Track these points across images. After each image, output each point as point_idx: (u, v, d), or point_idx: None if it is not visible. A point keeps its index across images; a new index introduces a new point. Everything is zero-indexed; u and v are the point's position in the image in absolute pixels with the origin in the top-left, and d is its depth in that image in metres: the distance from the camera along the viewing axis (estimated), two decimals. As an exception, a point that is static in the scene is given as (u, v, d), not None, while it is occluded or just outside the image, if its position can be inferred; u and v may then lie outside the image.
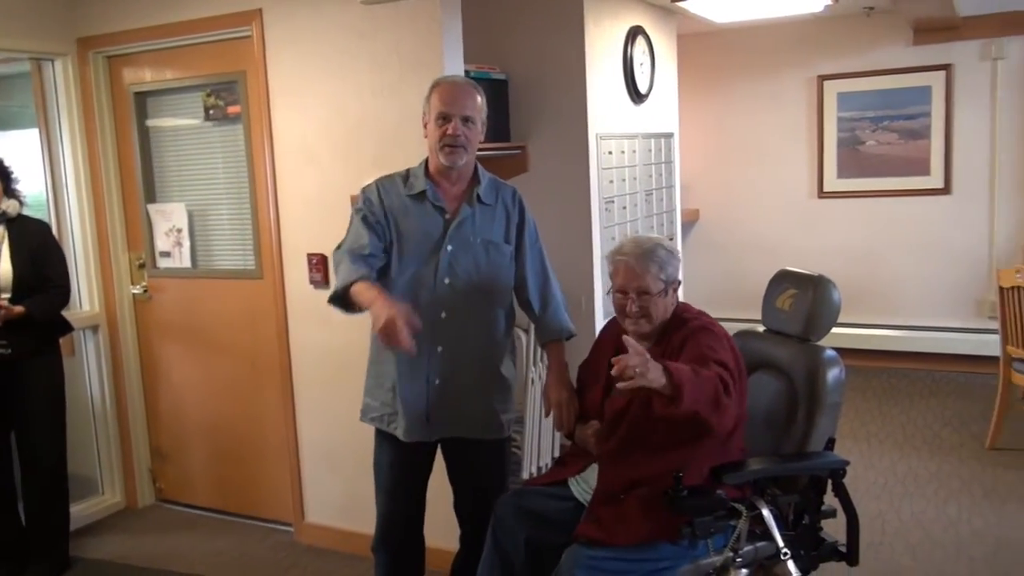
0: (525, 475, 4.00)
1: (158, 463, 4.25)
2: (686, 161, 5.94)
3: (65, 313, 3.53)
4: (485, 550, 2.47)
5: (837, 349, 2.51)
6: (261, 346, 3.79)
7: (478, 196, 2.57)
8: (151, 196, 4.02)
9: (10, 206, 3.34)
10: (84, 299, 4.07)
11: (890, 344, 5.93)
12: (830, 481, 2.38)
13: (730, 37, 6.25)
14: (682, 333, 2.32)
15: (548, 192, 4.12)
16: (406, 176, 2.62)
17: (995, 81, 5.57)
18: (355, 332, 3.35)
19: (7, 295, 3.26)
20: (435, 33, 3.14)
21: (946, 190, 5.81)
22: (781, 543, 2.25)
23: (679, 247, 5.40)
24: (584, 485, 2.42)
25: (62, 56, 3.92)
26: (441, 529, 2.97)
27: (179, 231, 3.96)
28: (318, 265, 3.50)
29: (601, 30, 4.29)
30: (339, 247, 2.56)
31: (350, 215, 2.63)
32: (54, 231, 3.80)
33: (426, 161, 2.61)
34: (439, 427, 2.63)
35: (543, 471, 4.15)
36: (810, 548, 2.38)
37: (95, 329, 4.10)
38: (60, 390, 3.48)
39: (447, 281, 2.54)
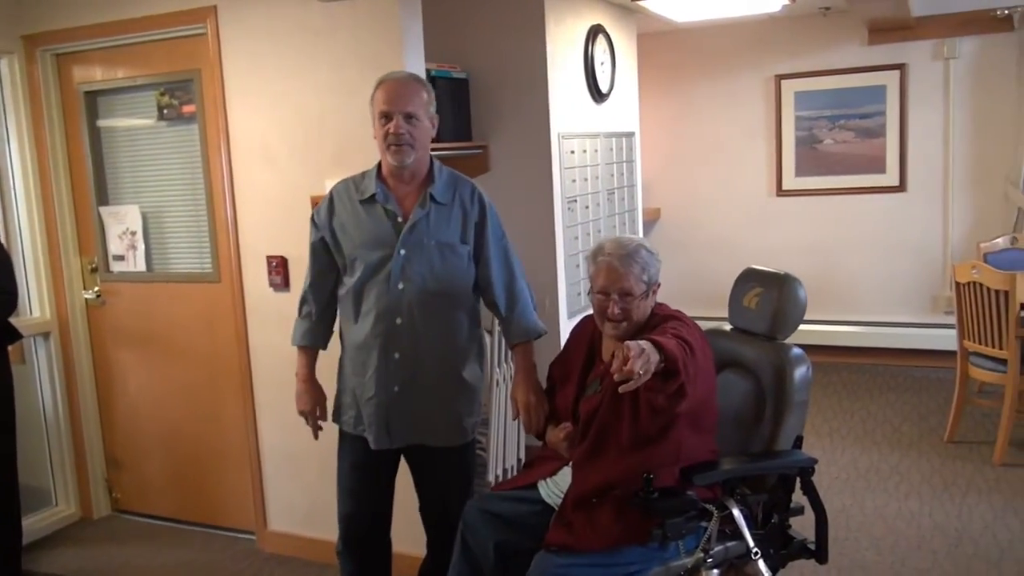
0: (491, 477, 3.98)
1: (114, 472, 4.14)
2: (646, 160, 5.95)
3: (13, 320, 3.41)
4: (454, 556, 2.44)
5: (796, 346, 2.51)
6: (219, 350, 3.71)
7: (431, 196, 2.51)
8: (103, 198, 3.91)
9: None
10: (34, 305, 3.95)
11: (848, 340, 6.01)
12: (799, 479, 2.38)
13: (689, 37, 6.28)
14: (652, 325, 2.30)
15: (510, 192, 4.09)
16: (361, 179, 2.58)
17: (947, 80, 5.67)
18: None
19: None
20: (395, 31, 3.10)
21: (901, 188, 5.89)
22: (751, 543, 2.24)
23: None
24: (555, 488, 2.39)
25: (8, 54, 3.80)
26: (408, 534, 2.93)
27: (133, 234, 3.86)
28: (278, 268, 3.43)
29: (562, 29, 4.28)
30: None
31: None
32: (1, 235, 3.67)
33: (379, 163, 2.56)
34: (400, 435, 2.58)
35: (509, 473, 4.13)
36: (779, 547, 2.38)
37: (46, 336, 3.98)
38: (9, 399, 3.36)
39: (401, 286, 2.49)
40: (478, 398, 2.70)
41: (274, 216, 3.43)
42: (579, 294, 4.42)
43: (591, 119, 4.65)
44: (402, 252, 2.48)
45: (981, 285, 4.14)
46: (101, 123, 3.89)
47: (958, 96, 5.67)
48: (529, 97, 4.15)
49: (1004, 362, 4.12)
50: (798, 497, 2.42)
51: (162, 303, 3.85)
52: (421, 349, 2.53)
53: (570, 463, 2.37)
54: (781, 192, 6.24)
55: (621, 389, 1.90)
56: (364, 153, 3.03)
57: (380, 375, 2.54)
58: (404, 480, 2.75)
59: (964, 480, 4.00)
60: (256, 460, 3.68)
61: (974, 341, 4.28)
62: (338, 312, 2.69)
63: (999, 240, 5.02)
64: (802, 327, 2.55)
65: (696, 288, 6.14)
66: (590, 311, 2.44)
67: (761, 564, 2.26)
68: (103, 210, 3.90)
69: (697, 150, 6.47)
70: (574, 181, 4.40)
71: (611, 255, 2.32)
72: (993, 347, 4.15)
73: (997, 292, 4.05)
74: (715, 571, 2.27)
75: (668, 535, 2.14)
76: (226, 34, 3.42)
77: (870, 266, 6.03)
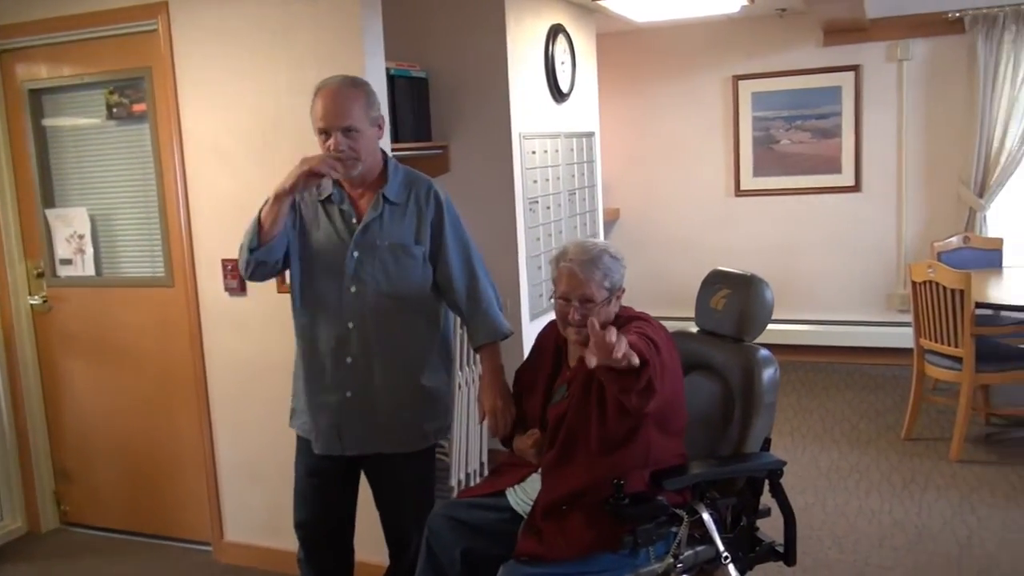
0: (453, 482, 3.92)
1: (63, 484, 4.00)
2: (606, 161, 5.95)
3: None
4: (419, 564, 2.39)
5: (763, 346, 2.51)
6: (173, 357, 3.60)
7: (384, 196, 2.45)
8: (49, 200, 3.78)
9: None
10: (-24, 311, 3.81)
11: (805, 339, 6.07)
12: (767, 481, 2.37)
13: (648, 37, 6.29)
14: (617, 327, 2.26)
15: (471, 192, 4.05)
16: (322, 176, 2.50)
17: (901, 81, 5.75)
18: (273, 339, 3.23)
19: None
20: (354, 30, 3.03)
21: (856, 188, 5.96)
22: (721, 547, 2.23)
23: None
24: (523, 495, 2.35)
25: (-53, 50, 3.66)
26: (372, 542, 2.87)
27: (81, 237, 3.73)
28: (233, 271, 3.34)
29: (522, 28, 4.24)
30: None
31: None
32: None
33: None
34: (353, 442, 2.52)
35: (471, 478, 4.08)
36: (748, 550, 2.37)
37: (-10, 343, 3.84)
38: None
39: (353, 289, 2.44)
40: (442, 404, 2.64)
41: (230, 219, 3.33)
42: (541, 296, 4.39)
43: (552, 119, 4.63)
44: (355, 254, 2.43)
45: (937, 284, 4.20)
46: (47, 122, 3.75)
47: (911, 97, 5.75)
48: (490, 97, 4.11)
49: (959, 360, 4.18)
50: (765, 499, 2.42)
51: (113, 309, 3.73)
52: (374, 354, 2.47)
53: (539, 470, 2.33)
54: (739, 192, 6.28)
55: (595, 361, 1.83)
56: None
57: (332, 380, 2.48)
58: (364, 487, 2.69)
59: (922, 477, 4.05)
60: (212, 468, 3.58)
61: (930, 339, 4.33)
62: (292, 316, 2.60)
63: (952, 239, 5.10)
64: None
65: (655, 288, 6.17)
66: (552, 313, 2.41)
67: (731, 568, 2.24)
68: (49, 213, 3.77)
69: (656, 150, 6.49)
70: (535, 182, 4.37)
71: (573, 260, 2.28)
72: (949, 345, 4.20)
73: (952, 291, 4.10)
74: (685, 576, 2.26)
75: (639, 542, 2.12)
76: (178, 31, 3.32)
77: (826, 265, 6.10)
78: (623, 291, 2.35)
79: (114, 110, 3.60)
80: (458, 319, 2.74)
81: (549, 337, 2.48)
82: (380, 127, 2.47)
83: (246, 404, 3.44)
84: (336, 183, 2.46)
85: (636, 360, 1.88)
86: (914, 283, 4.39)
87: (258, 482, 3.47)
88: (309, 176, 2.32)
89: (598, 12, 5.11)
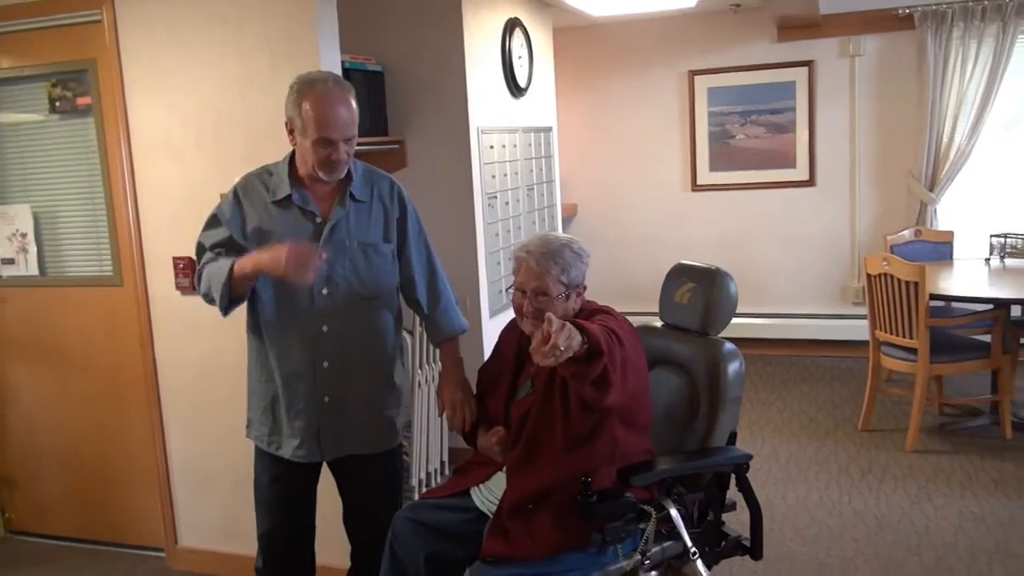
0: (414, 481, 3.87)
1: (6, 491, 3.85)
2: (563, 156, 5.93)
3: None
4: (382, 567, 2.33)
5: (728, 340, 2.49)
6: (123, 359, 3.48)
7: (351, 195, 2.39)
8: (-10, 198, 3.64)
9: None
10: (-87, 314, 3.65)
11: (761, 332, 6.11)
12: (733, 475, 2.36)
13: (604, 32, 6.28)
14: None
15: (429, 188, 3.99)
16: (269, 176, 2.40)
17: (853, 77, 5.81)
18: (226, 341, 3.14)
19: None
20: (308, 22, 2.95)
21: (811, 182, 6.02)
22: (689, 542, 2.21)
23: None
24: (488, 495, 2.30)
25: None
26: (332, 545, 2.80)
27: (24, 236, 3.59)
28: (185, 269, 3.24)
29: (479, 21, 4.19)
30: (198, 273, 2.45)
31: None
32: None
33: (291, 159, 2.39)
34: (332, 447, 2.46)
35: (432, 477, 4.03)
36: (715, 544, 2.36)
37: (-73, 347, 3.68)
38: None
39: (325, 292, 2.37)
40: (404, 396, 2.62)
41: (181, 215, 3.23)
42: (500, 292, 4.34)
43: (510, 114, 4.58)
44: (323, 256, 2.35)
45: (892, 277, 4.24)
46: (-15, 116, 3.61)
47: (863, 92, 5.82)
48: (447, 91, 4.05)
49: (914, 351, 4.23)
50: (731, 493, 2.40)
51: (58, 309, 3.60)
52: (350, 355, 2.41)
53: (504, 468, 2.29)
54: (696, 187, 6.30)
55: (542, 362, 1.81)
56: (277, 146, 2.84)
57: (309, 386, 2.41)
58: (324, 490, 2.63)
59: (880, 468, 4.09)
60: (164, 473, 3.48)
61: (885, 331, 4.38)
62: (249, 322, 2.51)
63: (905, 232, 5.17)
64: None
65: (612, 284, 6.16)
66: (511, 309, 2.37)
67: (699, 563, 2.23)
68: (-11, 210, 3.63)
69: (612, 146, 6.48)
70: (494, 177, 4.32)
71: (531, 253, 2.25)
72: (904, 337, 4.25)
73: (907, 283, 4.15)
74: (653, 573, 2.23)
75: (607, 540, 2.09)
76: (124, 21, 3.20)
77: (781, 259, 6.15)
78: (584, 288, 2.32)
79: (57, 104, 3.47)
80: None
81: (512, 335, 2.44)
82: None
83: (199, 406, 3.34)
84: (297, 183, 2.37)
85: (576, 342, 1.84)
86: (869, 276, 4.44)
87: (212, 486, 3.38)
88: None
89: (554, 6, 5.08)
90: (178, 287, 3.28)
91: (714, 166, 6.23)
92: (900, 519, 3.56)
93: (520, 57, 4.64)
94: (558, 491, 2.12)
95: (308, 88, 2.26)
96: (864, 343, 4.67)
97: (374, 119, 3.95)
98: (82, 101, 3.41)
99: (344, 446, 2.47)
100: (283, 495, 2.56)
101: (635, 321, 2.60)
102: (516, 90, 4.61)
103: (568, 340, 1.81)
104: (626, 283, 6.25)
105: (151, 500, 3.53)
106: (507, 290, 2.36)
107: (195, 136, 3.17)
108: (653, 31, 6.19)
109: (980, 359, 4.30)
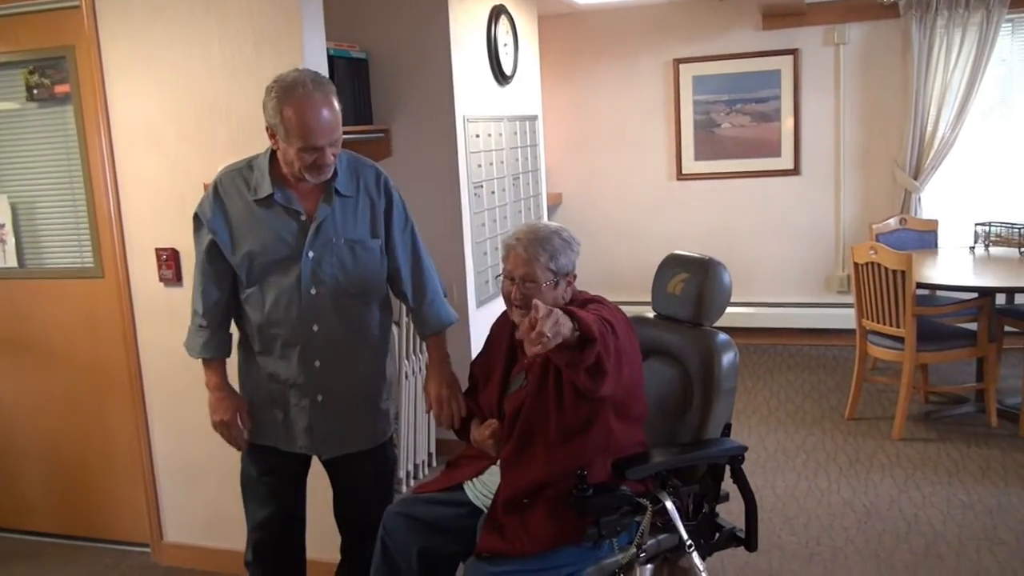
0: (401, 474, 3.85)
1: (-14, 488, 3.79)
2: (548, 145, 5.89)
3: None
4: (374, 562, 2.30)
5: (721, 330, 2.48)
6: (105, 352, 3.42)
7: (336, 190, 2.32)
8: (-35, 188, 3.55)
9: None
10: None
11: (747, 321, 6.11)
12: (728, 467, 2.34)
13: (589, 20, 6.24)
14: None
15: (415, 177, 3.95)
16: (250, 172, 2.34)
17: (838, 65, 5.81)
18: (214, 333, 3.08)
19: None
20: (293, 7, 2.89)
21: (796, 171, 6.02)
22: (685, 535, 2.19)
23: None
24: (482, 488, 2.27)
25: None
26: (322, 538, 2.77)
27: (1, 227, 3.52)
28: (168, 261, 3.18)
29: (464, 8, 4.14)
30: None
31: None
32: None
33: (271, 156, 2.32)
34: (326, 445, 2.44)
35: (419, 469, 4.00)
36: (710, 536, 2.34)
37: (-98, 341, 3.60)
38: None
39: (314, 291, 2.32)
40: (393, 388, 2.59)
41: (163, 205, 3.17)
42: (487, 282, 4.31)
43: (495, 102, 4.54)
44: (310, 255, 2.30)
45: (878, 265, 4.25)
46: (-40, 105, 3.53)
47: (848, 81, 5.82)
48: (432, 79, 4.00)
49: (901, 340, 4.24)
50: (724, 484, 2.39)
51: (37, 302, 3.52)
52: (342, 353, 2.38)
53: (498, 462, 2.26)
54: (681, 176, 6.28)
55: (530, 352, 1.78)
56: (261, 135, 2.77)
57: (301, 386, 2.37)
58: (315, 483, 2.60)
59: (867, 456, 4.11)
60: (149, 468, 3.42)
61: (872, 320, 4.39)
62: (239, 335, 2.48)
63: (890, 221, 5.18)
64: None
65: (597, 274, 6.13)
66: (499, 300, 2.33)
67: (695, 556, 2.21)
68: (-34, 201, 3.55)
69: (598, 134, 6.45)
70: (480, 166, 4.28)
71: (520, 240, 2.23)
72: (890, 325, 4.26)
73: (894, 272, 4.16)
74: (648, 566, 2.22)
75: (603, 533, 2.07)
76: (103, 7, 3.12)
77: (767, 248, 6.15)
78: (574, 276, 2.29)
79: (34, 91, 3.39)
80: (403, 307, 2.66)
81: (504, 327, 2.41)
82: None
83: (184, 399, 3.28)
84: (279, 181, 2.31)
85: (567, 328, 1.81)
86: (856, 264, 4.44)
87: (198, 480, 3.33)
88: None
89: (540, -7, 5.04)
90: (161, 278, 3.22)
91: (699, 155, 6.21)
92: (888, 507, 3.57)
93: (505, 44, 4.59)
94: (553, 485, 2.09)
95: (288, 93, 2.16)
96: (849, 331, 4.68)
97: (359, 107, 3.89)
98: (60, 89, 3.33)
99: (339, 444, 2.44)
100: (273, 487, 2.52)
101: (628, 311, 2.58)
102: (502, 78, 4.57)
103: (556, 327, 1.78)
104: (610, 273, 6.24)
105: (136, 495, 3.48)
106: (495, 279, 2.33)
107: (177, 124, 3.10)
108: (638, 19, 6.15)
109: (966, 347, 4.32)
